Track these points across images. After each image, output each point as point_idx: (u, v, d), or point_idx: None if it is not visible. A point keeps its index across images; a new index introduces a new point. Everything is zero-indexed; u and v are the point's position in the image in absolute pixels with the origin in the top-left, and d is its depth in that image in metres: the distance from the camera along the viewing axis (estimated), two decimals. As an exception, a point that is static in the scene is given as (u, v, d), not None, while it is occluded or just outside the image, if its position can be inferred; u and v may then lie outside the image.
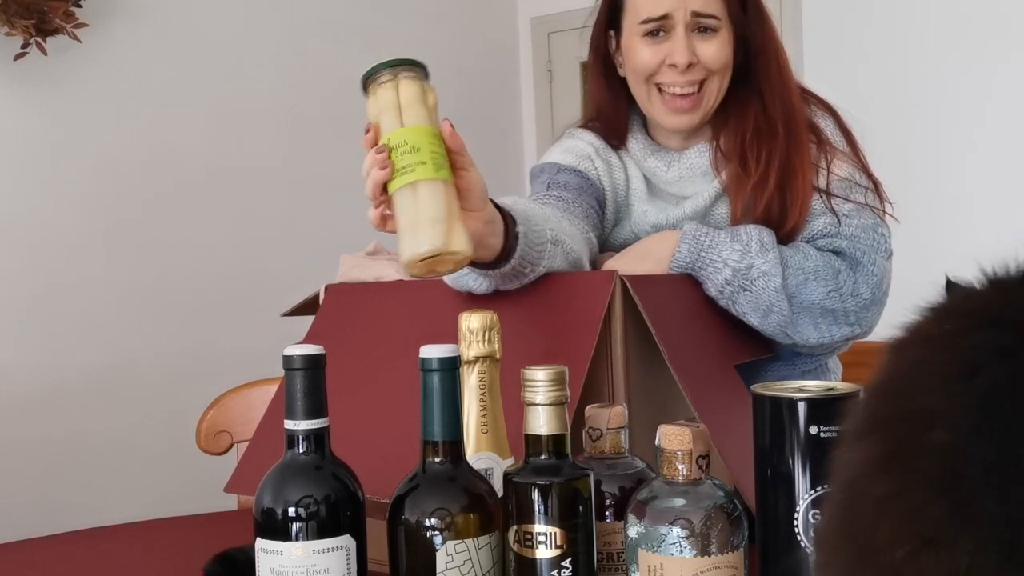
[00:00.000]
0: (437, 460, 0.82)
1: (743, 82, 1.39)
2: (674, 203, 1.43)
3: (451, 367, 0.81)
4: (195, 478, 2.22)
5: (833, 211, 1.33)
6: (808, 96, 1.44)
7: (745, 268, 1.22)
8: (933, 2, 3.57)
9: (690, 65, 1.33)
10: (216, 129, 3.17)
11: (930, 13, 3.56)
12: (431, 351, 0.81)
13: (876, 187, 1.39)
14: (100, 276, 2.89)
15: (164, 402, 2.92)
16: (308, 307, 1.36)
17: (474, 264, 1.04)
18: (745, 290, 1.23)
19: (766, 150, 1.34)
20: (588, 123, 1.49)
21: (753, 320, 1.25)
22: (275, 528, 0.82)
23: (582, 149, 1.44)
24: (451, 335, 0.88)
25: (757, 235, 1.25)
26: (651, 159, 1.43)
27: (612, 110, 1.45)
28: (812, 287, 1.25)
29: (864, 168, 1.39)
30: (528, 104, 4.39)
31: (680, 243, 1.25)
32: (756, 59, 1.39)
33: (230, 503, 1.46)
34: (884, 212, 1.38)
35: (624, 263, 1.27)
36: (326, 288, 1.32)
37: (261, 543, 0.83)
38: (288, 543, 0.81)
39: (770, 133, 1.35)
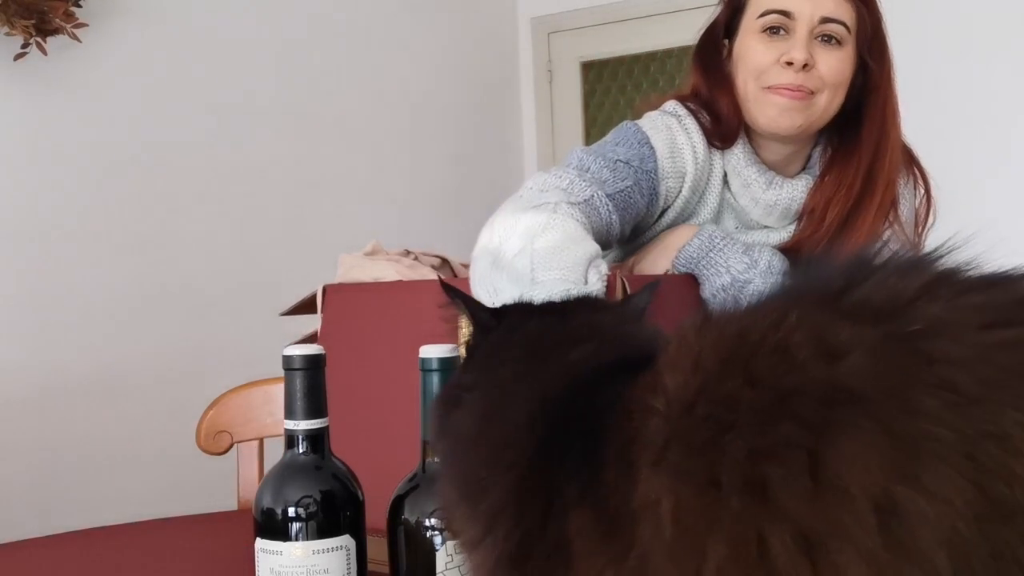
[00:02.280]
0: (437, 460, 0.82)
1: (854, 125, 1.30)
2: (741, 234, 1.34)
3: (451, 367, 0.81)
4: (195, 478, 2.22)
5: None
6: (912, 162, 1.37)
7: (743, 281, 1.22)
8: (949, 8, 3.52)
9: (806, 66, 1.24)
10: (216, 129, 3.17)
11: (961, 20, 3.49)
12: (431, 351, 0.81)
13: None
14: (100, 276, 2.89)
15: (164, 402, 2.92)
16: (305, 307, 1.36)
17: None
18: (737, 302, 1.23)
19: (840, 207, 1.28)
20: (699, 111, 1.32)
21: None
22: (275, 528, 0.82)
23: (682, 162, 1.29)
24: (451, 335, 0.88)
25: (768, 257, 1.24)
26: (751, 168, 1.31)
27: (728, 111, 1.31)
28: None
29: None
30: (528, 104, 4.38)
31: (694, 237, 1.24)
32: (867, 97, 1.30)
33: (230, 503, 1.46)
34: None
35: (636, 257, 1.29)
36: (324, 288, 1.32)
37: (261, 543, 0.83)
38: (288, 543, 0.81)
39: (851, 188, 1.29)
